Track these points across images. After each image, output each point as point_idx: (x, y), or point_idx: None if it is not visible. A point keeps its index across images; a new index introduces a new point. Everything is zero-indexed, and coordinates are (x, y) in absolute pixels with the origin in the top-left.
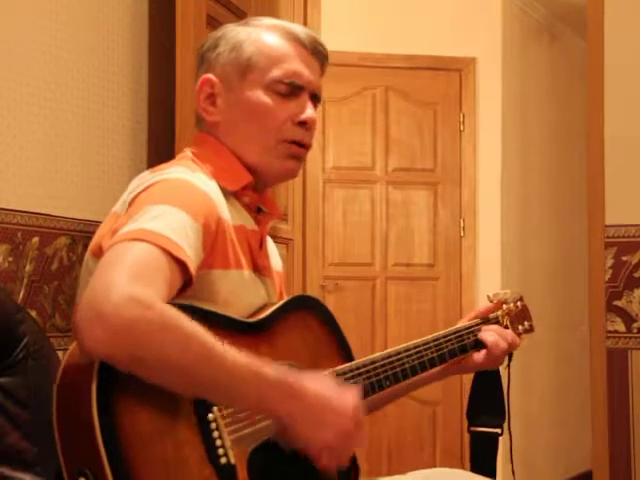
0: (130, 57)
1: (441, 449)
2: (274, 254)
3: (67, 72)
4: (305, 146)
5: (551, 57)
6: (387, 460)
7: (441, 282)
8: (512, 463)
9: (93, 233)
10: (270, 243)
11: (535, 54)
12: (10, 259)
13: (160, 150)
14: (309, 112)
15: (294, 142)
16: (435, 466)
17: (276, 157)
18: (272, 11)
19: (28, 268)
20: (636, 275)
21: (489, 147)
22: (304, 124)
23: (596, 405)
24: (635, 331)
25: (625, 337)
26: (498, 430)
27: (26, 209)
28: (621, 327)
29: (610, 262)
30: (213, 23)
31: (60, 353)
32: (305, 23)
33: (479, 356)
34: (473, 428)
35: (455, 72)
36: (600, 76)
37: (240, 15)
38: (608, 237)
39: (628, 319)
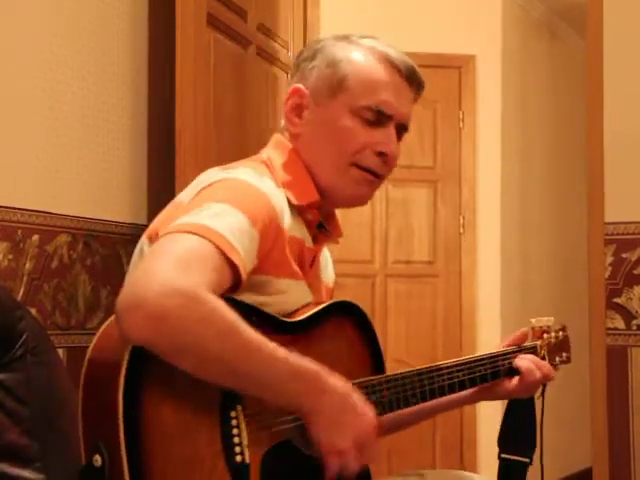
0: (130, 55)
1: (441, 448)
2: (328, 267)
3: (67, 70)
4: (379, 177)
5: (551, 55)
6: (387, 459)
7: (441, 279)
8: None
9: (93, 231)
10: (325, 255)
11: (535, 52)
12: (10, 257)
13: (160, 148)
14: (392, 146)
15: (369, 170)
16: (435, 466)
17: (348, 181)
18: (272, 9)
19: (28, 266)
20: (636, 272)
21: (489, 145)
22: (384, 155)
23: (596, 402)
24: (635, 328)
25: (625, 334)
26: (527, 459)
27: (26, 207)
28: (621, 324)
29: (610, 259)
30: (213, 21)
31: (60, 351)
32: (305, 21)
33: (511, 383)
34: (503, 455)
35: (455, 70)
36: (599, 73)
37: (240, 14)
38: (608, 234)
39: (628, 316)
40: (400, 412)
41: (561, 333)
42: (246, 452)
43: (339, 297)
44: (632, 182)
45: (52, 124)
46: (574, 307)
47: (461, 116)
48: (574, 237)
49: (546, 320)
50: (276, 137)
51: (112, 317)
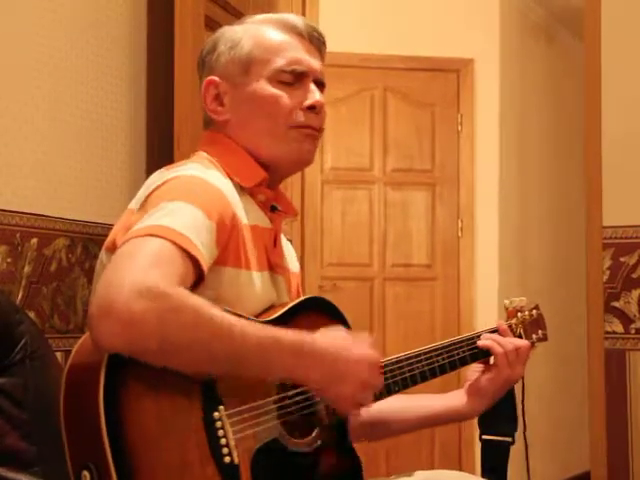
0: (129, 58)
1: (439, 449)
2: (291, 255)
3: (65, 73)
4: (317, 129)
5: (549, 58)
6: (385, 460)
7: (439, 283)
8: (528, 473)
9: (92, 234)
10: (287, 244)
11: (533, 55)
12: (9, 260)
13: (159, 150)
14: (316, 96)
15: (304, 126)
16: (433, 466)
17: (290, 143)
18: (270, 12)
19: (27, 269)
20: (634, 276)
21: (487, 148)
22: (313, 108)
23: (594, 405)
24: (633, 332)
25: (623, 338)
26: (509, 439)
27: (25, 210)
28: (619, 328)
29: (608, 263)
30: (211, 24)
31: (59, 354)
32: None
33: (489, 370)
34: (485, 436)
35: (453, 73)
36: (597, 77)
37: (238, 16)
38: (606, 238)
39: (626, 320)
40: (392, 419)
41: (535, 311)
42: (234, 452)
43: (337, 301)
44: (630, 185)
45: (51, 126)
46: (572, 311)
47: (459, 119)
48: (572, 241)
49: (519, 300)
50: (204, 135)
51: (84, 336)
